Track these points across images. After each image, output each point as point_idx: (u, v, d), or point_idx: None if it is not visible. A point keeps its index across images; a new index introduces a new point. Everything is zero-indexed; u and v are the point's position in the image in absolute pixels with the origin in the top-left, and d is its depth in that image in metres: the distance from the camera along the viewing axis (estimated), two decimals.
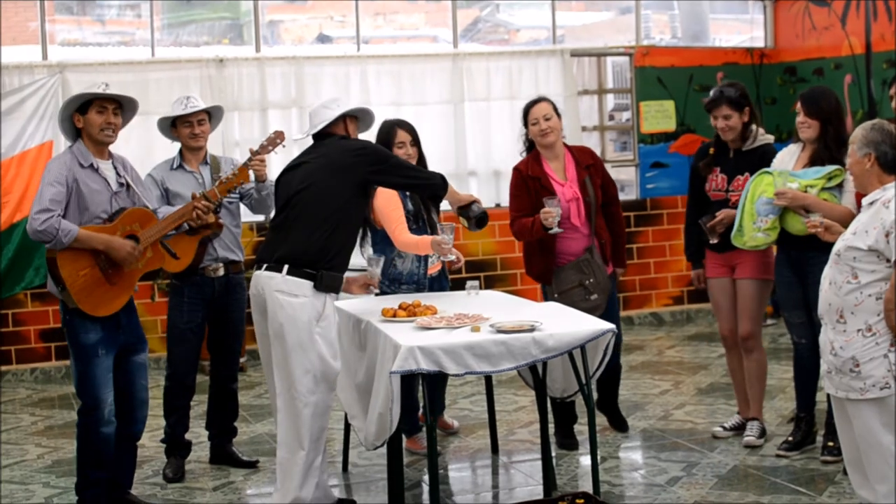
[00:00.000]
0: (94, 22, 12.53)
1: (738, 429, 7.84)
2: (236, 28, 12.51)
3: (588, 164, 7.77)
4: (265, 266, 6.20)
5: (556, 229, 7.36)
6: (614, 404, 8.25)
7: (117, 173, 6.49)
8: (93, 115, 6.35)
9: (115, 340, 6.42)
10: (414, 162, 7.53)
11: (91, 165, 6.35)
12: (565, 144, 7.85)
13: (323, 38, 13.42)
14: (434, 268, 7.71)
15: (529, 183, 7.67)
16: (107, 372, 6.37)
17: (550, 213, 7.31)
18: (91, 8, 12.36)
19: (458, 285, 7.96)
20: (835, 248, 5.56)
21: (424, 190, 6.78)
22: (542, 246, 7.64)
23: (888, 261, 5.32)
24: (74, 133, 6.45)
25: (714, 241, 7.49)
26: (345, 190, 6.18)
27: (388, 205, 7.28)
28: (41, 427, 9.00)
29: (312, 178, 6.21)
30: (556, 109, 7.70)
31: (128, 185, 6.52)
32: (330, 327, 6.18)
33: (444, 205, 7.05)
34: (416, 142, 7.67)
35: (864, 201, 5.58)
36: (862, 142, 5.58)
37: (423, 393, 6.15)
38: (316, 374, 6.09)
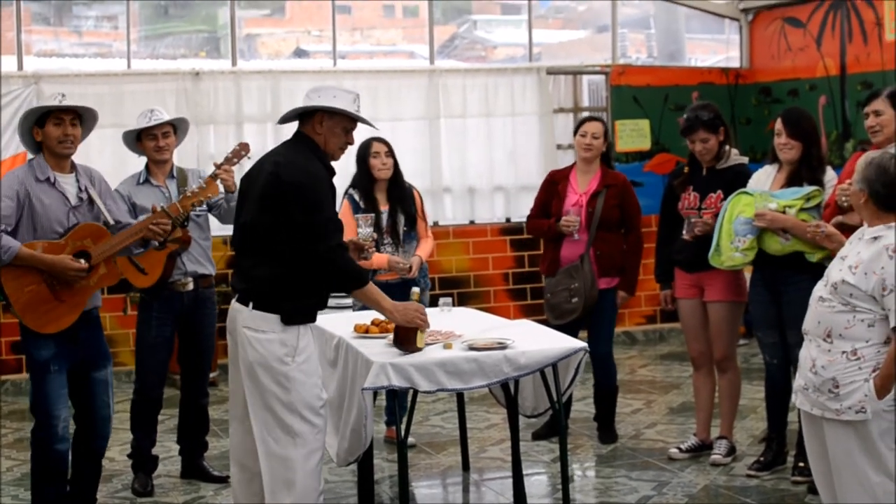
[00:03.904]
0: (71, 33, 12.50)
1: (695, 450, 7.84)
2: (213, 41, 12.50)
3: (609, 184, 8.23)
4: (237, 296, 5.70)
5: (576, 236, 8.12)
6: (609, 421, 8.49)
7: (79, 187, 6.36)
8: (50, 128, 6.22)
9: (70, 356, 6.29)
10: (389, 173, 8.04)
11: (48, 179, 6.23)
12: (605, 165, 8.36)
13: (300, 53, 13.42)
14: (391, 275, 7.99)
15: (551, 186, 8.44)
16: (60, 388, 6.26)
17: (571, 222, 8.06)
18: (68, 19, 12.34)
19: (431, 302, 7.99)
20: (832, 279, 5.40)
21: (321, 269, 5.60)
22: (553, 245, 8.35)
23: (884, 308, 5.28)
24: (35, 147, 6.34)
25: (687, 237, 7.48)
26: (285, 224, 5.50)
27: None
28: (11, 440, 8.95)
29: (254, 210, 5.60)
30: (606, 132, 8.37)
31: (90, 200, 6.38)
32: (308, 360, 5.59)
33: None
34: (391, 153, 8.13)
35: (867, 234, 5.42)
36: (859, 175, 5.43)
37: (395, 408, 6.15)
38: (301, 414, 5.54)
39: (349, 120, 5.71)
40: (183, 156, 10.77)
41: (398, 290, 7.76)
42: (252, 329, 5.55)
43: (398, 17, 15.12)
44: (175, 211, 6.56)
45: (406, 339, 5.94)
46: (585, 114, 12.40)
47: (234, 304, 5.70)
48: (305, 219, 5.47)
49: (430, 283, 8.32)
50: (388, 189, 8.14)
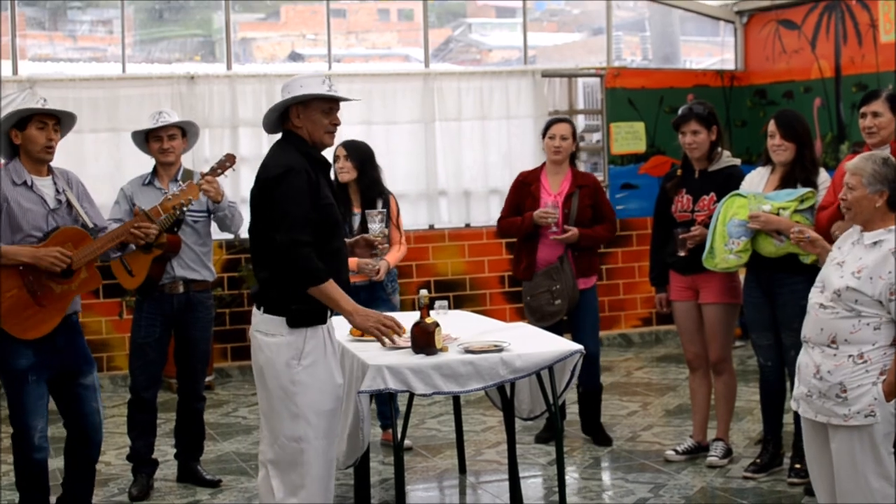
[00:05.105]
0: (66, 37, 12.50)
1: (691, 452, 7.84)
2: (208, 45, 12.51)
3: (582, 185, 8.25)
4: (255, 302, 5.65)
5: (553, 228, 8.05)
6: (597, 424, 8.42)
7: (56, 190, 6.28)
8: (33, 132, 6.13)
9: (48, 365, 6.20)
10: (349, 177, 8.07)
11: (25, 182, 6.14)
12: (573, 167, 8.37)
13: (295, 56, 13.44)
14: (360, 276, 7.94)
15: (523, 187, 8.37)
16: (38, 399, 6.17)
17: (549, 213, 8.01)
18: (63, 23, 12.34)
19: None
20: (833, 286, 5.37)
21: (279, 263, 5.41)
22: (527, 249, 8.25)
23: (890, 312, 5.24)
24: (11, 150, 6.23)
25: (682, 253, 7.47)
26: (265, 221, 5.46)
27: None
28: (5, 445, 8.94)
29: (251, 214, 5.57)
30: (574, 133, 8.28)
31: (69, 203, 6.29)
32: (316, 364, 5.45)
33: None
34: (353, 157, 8.11)
35: (865, 239, 5.40)
36: (874, 177, 5.35)
37: (391, 411, 6.15)
38: (307, 419, 5.44)
39: (325, 101, 5.52)
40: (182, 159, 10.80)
41: (365, 292, 7.82)
42: (262, 332, 5.50)
43: (393, 20, 15.15)
44: (156, 214, 6.55)
45: (424, 343, 5.96)
46: (581, 116, 12.47)
47: (253, 308, 5.64)
48: (274, 210, 5.36)
49: (398, 287, 8.33)
50: (361, 192, 8.14)
